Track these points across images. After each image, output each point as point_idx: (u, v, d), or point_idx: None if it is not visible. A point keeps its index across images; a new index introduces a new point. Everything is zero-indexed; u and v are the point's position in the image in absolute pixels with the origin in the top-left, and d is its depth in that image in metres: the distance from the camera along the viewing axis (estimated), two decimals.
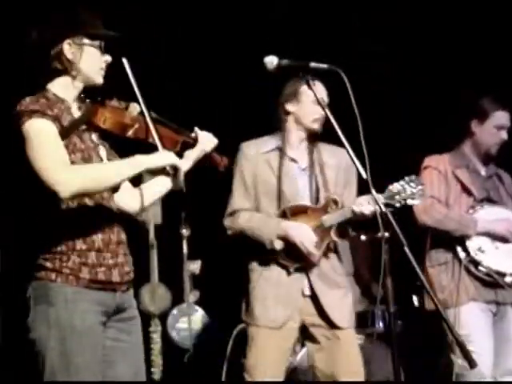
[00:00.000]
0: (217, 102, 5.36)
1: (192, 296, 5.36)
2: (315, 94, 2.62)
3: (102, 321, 2.44)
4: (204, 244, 5.47)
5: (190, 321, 5.28)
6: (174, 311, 5.28)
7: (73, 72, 2.52)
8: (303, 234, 3.44)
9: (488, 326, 3.70)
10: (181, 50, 5.30)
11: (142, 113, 2.61)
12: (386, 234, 2.48)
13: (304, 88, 3.38)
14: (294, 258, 3.51)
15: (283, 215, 3.52)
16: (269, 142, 3.60)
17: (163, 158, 2.50)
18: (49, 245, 2.42)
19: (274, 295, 3.48)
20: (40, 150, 2.37)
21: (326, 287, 3.53)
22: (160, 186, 2.72)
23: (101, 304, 2.44)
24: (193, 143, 2.77)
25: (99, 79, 2.58)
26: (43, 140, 2.38)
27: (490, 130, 3.89)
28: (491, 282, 3.73)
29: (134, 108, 2.63)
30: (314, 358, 3.56)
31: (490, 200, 3.89)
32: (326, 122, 2.61)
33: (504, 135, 3.90)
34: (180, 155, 2.75)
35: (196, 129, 2.79)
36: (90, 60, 2.53)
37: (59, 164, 2.37)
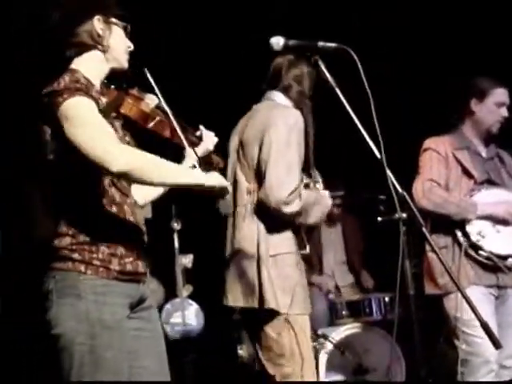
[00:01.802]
0: (217, 101, 5.31)
1: (185, 290, 5.31)
2: (324, 75, 2.53)
3: (127, 314, 2.37)
4: (195, 237, 5.41)
5: (183, 315, 5.23)
6: (168, 306, 5.23)
7: (103, 48, 2.42)
8: None
9: (490, 309, 3.62)
10: (180, 47, 5.27)
11: (158, 107, 2.61)
12: (404, 215, 2.40)
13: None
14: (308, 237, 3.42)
15: None
16: None
17: (217, 179, 2.41)
18: (75, 234, 2.32)
19: (304, 279, 3.33)
20: (86, 124, 2.24)
21: None
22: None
23: (128, 296, 2.36)
24: (197, 141, 2.75)
25: (125, 63, 2.48)
26: (89, 115, 2.26)
27: (490, 108, 3.83)
28: (492, 265, 3.66)
29: (152, 100, 2.62)
30: None
31: (490, 182, 3.81)
32: (337, 103, 2.53)
33: (504, 112, 3.84)
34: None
35: (201, 127, 2.74)
36: (117, 38, 2.45)
37: (111, 138, 2.26)
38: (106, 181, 2.37)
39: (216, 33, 5.28)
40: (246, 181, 3.23)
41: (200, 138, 2.75)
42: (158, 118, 2.62)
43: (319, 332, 4.66)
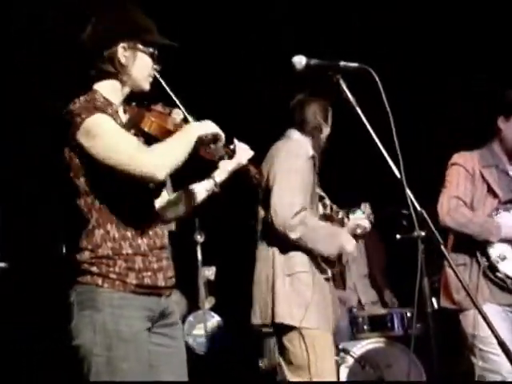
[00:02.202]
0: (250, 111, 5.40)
1: (207, 303, 5.36)
2: (346, 94, 2.58)
3: (147, 327, 2.41)
4: (218, 250, 5.46)
5: (205, 327, 5.27)
6: (190, 318, 5.29)
7: (123, 76, 2.49)
8: None
9: (506, 327, 3.57)
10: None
11: (185, 119, 2.61)
12: (422, 233, 2.44)
13: None
14: (331, 263, 3.55)
15: None
16: None
17: (209, 126, 2.49)
18: (94, 248, 2.38)
19: (324, 299, 3.48)
20: (115, 141, 2.32)
21: None
22: (199, 191, 2.77)
23: (146, 309, 2.41)
24: (230, 154, 2.76)
25: (147, 86, 2.54)
26: (114, 131, 2.34)
27: None
28: (508, 287, 3.64)
29: (178, 114, 2.62)
30: None
31: None
32: (357, 122, 2.57)
33: None
34: (216, 165, 2.78)
35: (235, 140, 2.79)
36: (141, 66, 2.49)
37: (141, 149, 2.34)
38: (126, 196, 2.41)
39: (252, 50, 5.39)
40: (263, 207, 3.53)
41: (233, 151, 2.78)
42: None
43: (340, 346, 4.69)
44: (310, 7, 5.39)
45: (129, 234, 2.41)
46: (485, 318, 2.45)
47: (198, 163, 2.57)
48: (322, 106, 3.68)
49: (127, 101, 2.57)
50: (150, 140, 2.53)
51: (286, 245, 3.43)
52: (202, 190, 2.78)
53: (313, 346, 3.40)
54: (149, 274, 2.41)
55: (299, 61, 2.62)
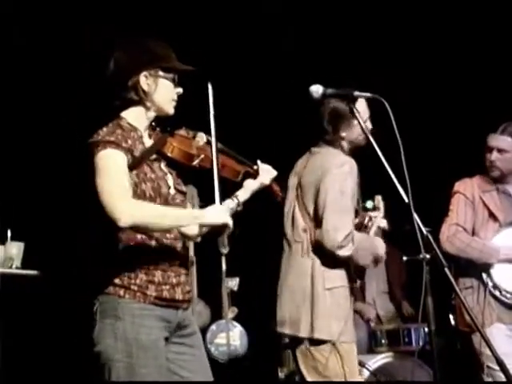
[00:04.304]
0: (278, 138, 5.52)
1: (230, 312, 5.47)
2: (360, 122, 2.73)
3: (165, 336, 2.56)
4: (242, 261, 5.58)
5: (228, 337, 5.39)
6: (213, 327, 5.38)
7: (147, 103, 2.65)
8: None
9: None
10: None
11: (209, 142, 2.72)
12: (428, 256, 2.57)
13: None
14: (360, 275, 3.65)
15: None
16: None
17: (219, 217, 2.58)
18: (118, 262, 2.55)
19: (349, 311, 3.54)
20: (107, 177, 2.49)
21: None
22: None
23: (164, 320, 2.56)
24: (254, 174, 2.89)
25: (171, 110, 2.70)
26: (112, 169, 2.51)
27: None
28: None
29: (201, 138, 2.75)
30: None
31: None
32: (368, 147, 2.72)
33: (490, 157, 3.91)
34: (240, 184, 2.89)
35: (258, 161, 2.91)
36: (163, 92, 2.65)
37: (123, 193, 2.48)
38: None
39: (272, 70, 5.52)
40: (303, 220, 3.49)
41: (257, 172, 2.89)
42: (202, 156, 2.72)
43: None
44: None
45: (150, 251, 2.57)
46: (485, 340, 2.56)
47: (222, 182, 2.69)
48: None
49: (153, 126, 2.72)
50: (173, 164, 2.68)
51: (329, 259, 3.44)
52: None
53: (347, 360, 3.42)
54: (167, 287, 2.57)
55: (316, 90, 2.79)
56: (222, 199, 2.85)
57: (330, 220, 3.37)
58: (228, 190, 2.93)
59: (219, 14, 5.37)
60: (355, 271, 3.61)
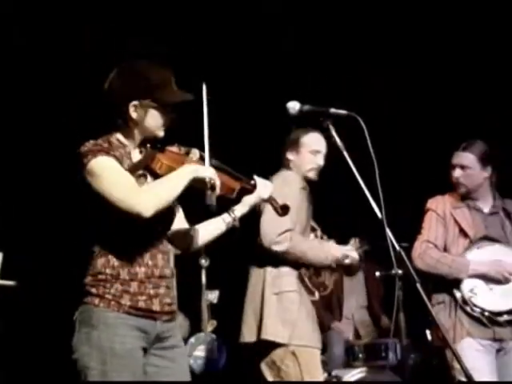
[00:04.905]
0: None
1: (209, 325, 5.50)
2: (334, 139, 2.77)
3: (141, 346, 2.59)
4: (222, 274, 5.62)
5: (207, 349, 5.42)
6: (192, 339, 5.42)
7: (135, 129, 2.67)
8: None
9: (486, 360, 3.77)
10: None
11: (202, 159, 2.73)
12: (400, 272, 2.62)
13: (304, 139, 3.86)
14: (320, 285, 3.74)
15: None
16: None
17: (206, 171, 2.62)
18: (96, 273, 2.59)
19: (312, 318, 3.66)
20: (111, 181, 2.53)
21: None
22: (214, 228, 2.91)
23: (140, 330, 2.58)
24: (251, 190, 2.90)
25: (160, 134, 2.71)
26: (111, 172, 2.55)
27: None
28: (487, 320, 3.80)
29: (194, 154, 2.76)
30: None
31: (489, 238, 3.95)
32: (344, 165, 2.76)
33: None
34: (238, 200, 2.90)
35: (255, 176, 2.94)
36: (152, 121, 2.66)
37: (133, 189, 2.53)
38: (126, 226, 2.59)
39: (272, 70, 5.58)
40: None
41: (254, 187, 2.92)
42: None
43: (333, 373, 4.82)
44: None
45: (128, 262, 2.60)
46: (455, 355, 2.61)
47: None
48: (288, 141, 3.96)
49: (144, 143, 2.73)
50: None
51: (277, 265, 3.66)
52: (221, 223, 2.90)
53: (306, 366, 3.56)
54: (144, 298, 2.59)
55: (293, 106, 2.84)
56: (218, 214, 2.90)
57: (266, 218, 3.61)
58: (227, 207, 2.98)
59: (219, 14, 5.42)
60: (315, 282, 3.70)
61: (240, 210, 2.93)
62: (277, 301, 3.60)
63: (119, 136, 2.68)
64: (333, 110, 2.79)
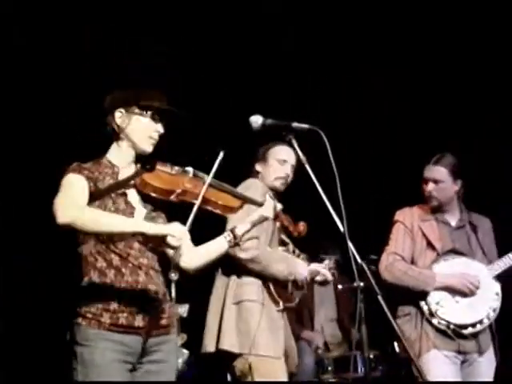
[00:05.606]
0: None
1: (180, 339, 5.47)
2: (297, 152, 2.79)
3: (124, 359, 2.68)
4: (192, 288, 5.60)
5: (177, 363, 5.39)
6: None
7: (121, 135, 2.82)
8: None
9: (451, 371, 3.80)
10: None
11: (195, 176, 2.81)
12: (362, 284, 2.64)
13: (272, 149, 3.88)
14: (285, 297, 3.72)
15: None
16: None
17: (163, 228, 2.64)
18: (81, 294, 2.73)
19: (275, 328, 3.63)
20: (61, 191, 2.68)
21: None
22: (214, 249, 2.99)
23: (123, 344, 2.67)
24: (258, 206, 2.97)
25: (148, 148, 2.84)
26: (69, 186, 2.70)
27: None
28: (453, 333, 3.84)
29: (188, 172, 2.83)
30: None
31: (456, 252, 3.98)
32: (307, 179, 2.78)
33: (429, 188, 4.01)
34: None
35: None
36: (136, 127, 2.81)
37: (70, 199, 2.64)
38: (104, 247, 2.72)
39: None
40: None
41: (261, 205, 3.00)
42: (179, 191, 2.75)
43: None
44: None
45: (108, 281, 2.70)
46: (416, 367, 2.63)
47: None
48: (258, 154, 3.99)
49: (137, 162, 2.86)
50: (148, 198, 2.76)
51: (241, 273, 3.64)
52: (223, 242, 2.99)
53: (263, 376, 3.54)
54: (125, 315, 2.69)
55: (256, 120, 2.86)
56: (219, 234, 2.99)
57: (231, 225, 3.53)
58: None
59: (219, 13, 5.43)
60: (280, 292, 3.70)
61: (241, 228, 3.02)
62: (236, 310, 3.61)
63: (110, 156, 2.83)
64: (295, 124, 2.82)
